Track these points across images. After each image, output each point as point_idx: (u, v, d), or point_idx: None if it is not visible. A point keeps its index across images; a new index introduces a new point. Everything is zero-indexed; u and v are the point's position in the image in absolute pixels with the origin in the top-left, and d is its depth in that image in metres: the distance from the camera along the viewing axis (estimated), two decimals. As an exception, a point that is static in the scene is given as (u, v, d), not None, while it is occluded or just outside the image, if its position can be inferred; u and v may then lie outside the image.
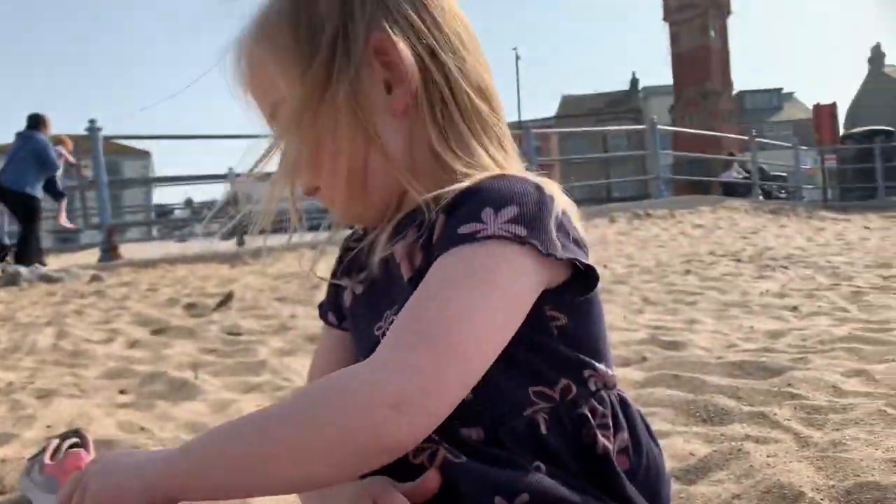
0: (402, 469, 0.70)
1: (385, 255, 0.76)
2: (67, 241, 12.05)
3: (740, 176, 14.98)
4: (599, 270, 0.72)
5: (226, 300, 4.31)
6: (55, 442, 1.55)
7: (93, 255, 8.67)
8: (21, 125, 7.61)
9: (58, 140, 8.04)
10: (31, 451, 1.65)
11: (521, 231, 0.66)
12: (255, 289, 4.99)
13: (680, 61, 42.47)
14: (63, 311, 4.37)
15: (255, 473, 0.61)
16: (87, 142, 8.47)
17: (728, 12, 43.31)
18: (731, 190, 14.27)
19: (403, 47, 0.74)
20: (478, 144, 0.76)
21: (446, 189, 0.71)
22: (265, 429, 0.63)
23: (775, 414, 1.68)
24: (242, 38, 0.80)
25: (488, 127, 0.79)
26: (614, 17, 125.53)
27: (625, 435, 0.75)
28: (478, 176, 0.72)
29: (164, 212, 18.55)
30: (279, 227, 0.84)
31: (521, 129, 11.02)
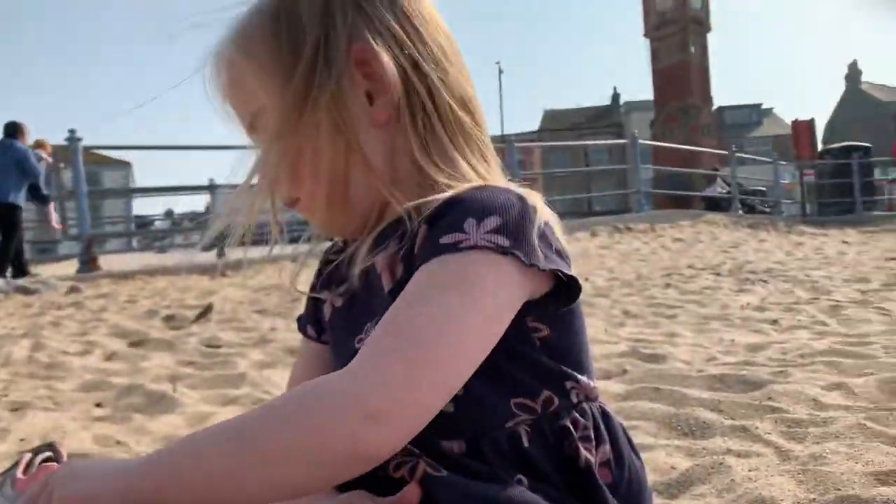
0: (382, 483, 0.69)
1: (366, 267, 0.75)
2: (46, 251, 11.90)
3: (724, 191, 15.11)
4: (581, 282, 0.71)
5: (205, 312, 4.27)
6: (28, 456, 1.51)
7: (71, 266, 8.57)
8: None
9: (38, 144, 7.98)
10: (3, 466, 1.62)
11: (503, 241, 0.65)
12: (234, 301, 4.95)
13: (661, 77, 42.88)
14: (39, 322, 4.31)
15: (230, 480, 0.60)
16: (67, 151, 8.39)
17: (708, 29, 43.83)
18: (715, 205, 14.37)
19: (385, 58, 0.74)
20: (460, 156, 0.76)
21: (428, 199, 0.70)
22: (241, 433, 0.61)
23: (756, 427, 1.68)
24: (222, 47, 0.79)
25: (471, 139, 0.78)
26: (596, 33, 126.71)
27: (607, 448, 0.75)
28: (460, 187, 0.72)
29: (144, 223, 18.41)
30: (259, 239, 0.83)
31: (504, 143, 11.05)
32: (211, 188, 10.33)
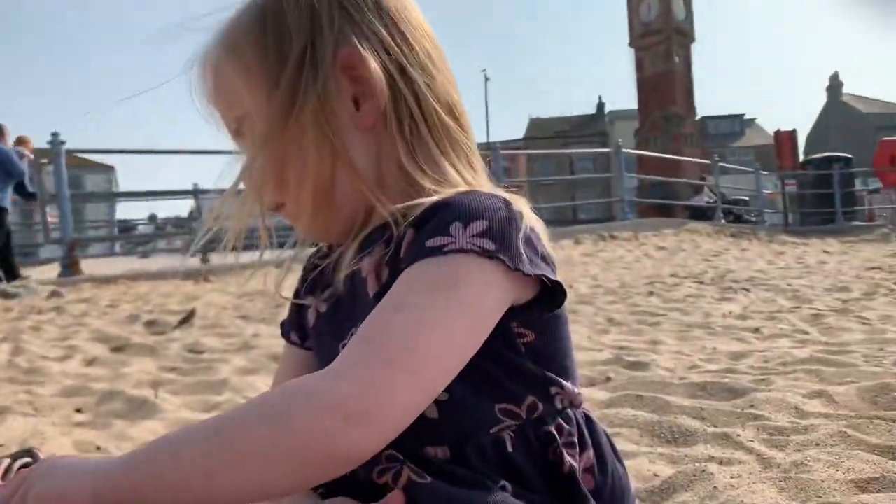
0: (366, 489, 0.69)
1: (351, 272, 0.75)
2: (27, 255, 11.79)
3: (712, 200, 15.22)
4: (566, 288, 0.72)
5: (188, 318, 4.24)
6: (6, 462, 1.49)
7: (53, 270, 8.48)
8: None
9: (19, 141, 7.89)
10: (-20, 472, 1.60)
11: (489, 245, 0.65)
12: (217, 306, 4.92)
13: (645, 86, 43.19)
14: (19, 326, 4.26)
15: (207, 479, 0.59)
16: (50, 154, 8.32)
17: (692, 40, 44.21)
18: (702, 214, 14.45)
19: (372, 63, 0.74)
20: (446, 161, 0.76)
21: (414, 202, 0.70)
22: (219, 432, 0.61)
23: (738, 435, 1.69)
24: (208, 51, 0.79)
25: (457, 144, 0.78)
26: (581, 42, 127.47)
27: (590, 454, 0.75)
28: (447, 191, 0.72)
29: (127, 227, 18.28)
30: (246, 244, 0.82)
31: (489, 150, 11.10)
32: (195, 193, 10.29)
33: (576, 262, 7.59)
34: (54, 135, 8.11)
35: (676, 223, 11.83)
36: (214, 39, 0.78)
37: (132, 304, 5.25)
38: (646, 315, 4.01)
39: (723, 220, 13.39)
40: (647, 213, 15.52)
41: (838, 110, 55.45)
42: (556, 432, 0.72)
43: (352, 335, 0.75)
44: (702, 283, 5.59)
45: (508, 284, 0.67)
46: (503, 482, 0.68)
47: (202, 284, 6.47)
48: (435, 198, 0.70)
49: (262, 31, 0.75)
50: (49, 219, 8.73)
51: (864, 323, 3.49)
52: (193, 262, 7.71)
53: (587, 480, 0.73)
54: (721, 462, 1.53)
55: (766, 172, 16.73)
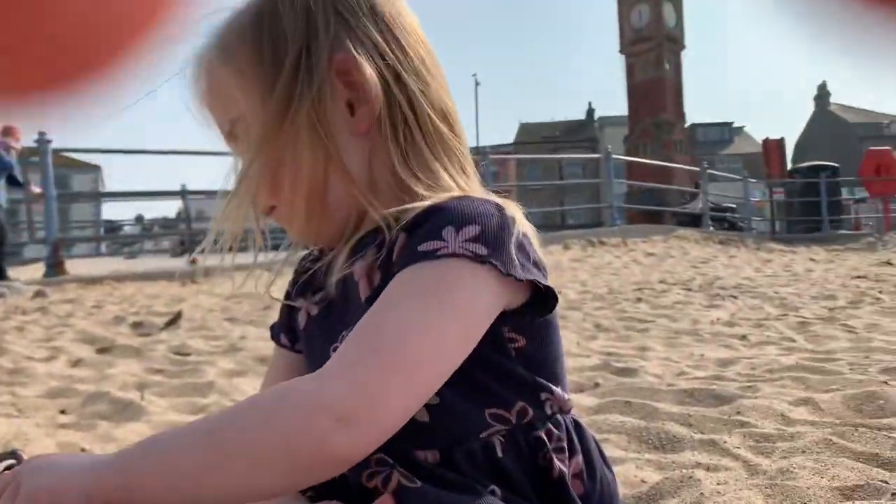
0: (355, 492, 0.68)
1: (343, 276, 0.75)
2: (11, 254, 11.70)
3: (707, 206, 15.27)
4: (557, 294, 0.72)
5: (174, 319, 4.22)
6: (-11, 463, 1.48)
7: (37, 270, 8.42)
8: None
9: (4, 131, 7.78)
10: (-37, 473, 1.58)
11: (481, 250, 0.65)
12: (204, 308, 4.90)
13: (635, 92, 43.38)
14: (3, 327, 4.22)
15: (197, 479, 0.59)
16: (36, 154, 8.25)
17: (682, 47, 44.46)
18: (698, 220, 14.48)
19: (367, 68, 0.74)
20: (440, 167, 0.76)
21: (407, 207, 0.71)
22: (209, 433, 0.61)
23: (725, 441, 1.69)
24: (203, 54, 0.78)
25: (450, 150, 0.78)
26: (572, 48, 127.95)
27: (579, 459, 0.75)
28: (440, 196, 0.72)
29: (113, 227, 18.17)
30: (240, 246, 0.82)
31: (478, 155, 11.10)
32: (182, 194, 10.24)
33: (564, 267, 7.61)
34: (41, 134, 8.05)
35: (665, 229, 11.88)
36: (209, 41, 0.78)
37: (118, 306, 5.22)
38: (634, 321, 4.02)
39: (711, 227, 13.45)
40: (635, 220, 15.56)
41: (826, 120, 55.88)
42: (545, 437, 0.73)
43: (343, 338, 0.75)
44: (690, 289, 5.61)
45: (500, 289, 0.67)
46: (493, 486, 0.69)
47: (189, 286, 6.44)
48: (427, 202, 0.70)
49: (257, 34, 0.75)
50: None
51: (849, 331, 3.51)
52: (181, 263, 7.67)
53: (576, 486, 0.73)
54: (708, 468, 1.53)
55: (754, 180, 16.84)
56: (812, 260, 9.08)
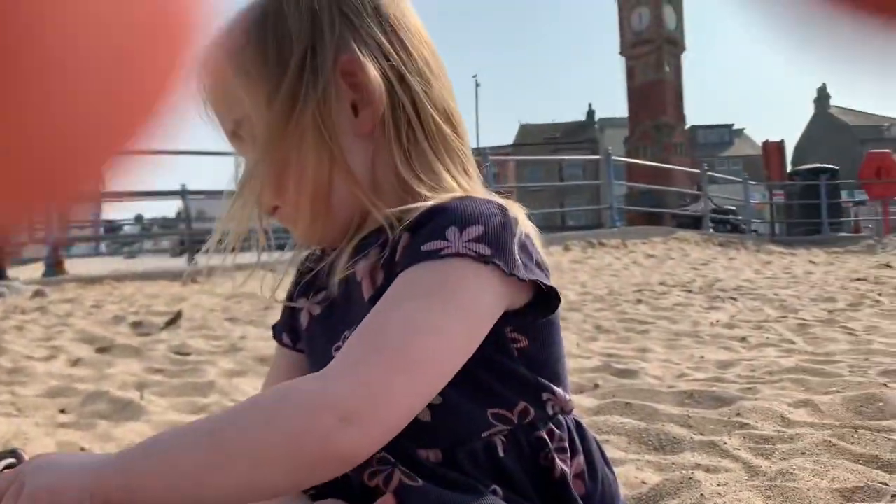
0: (357, 491, 0.68)
1: (345, 276, 0.75)
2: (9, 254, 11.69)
3: (709, 207, 15.26)
4: (560, 294, 0.72)
5: (174, 319, 4.22)
6: (-11, 462, 1.48)
7: (36, 270, 8.42)
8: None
9: None
10: (-37, 472, 1.58)
11: (485, 250, 0.65)
12: (204, 308, 4.90)
13: (635, 94, 43.39)
14: (2, 326, 4.22)
15: (199, 478, 0.59)
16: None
17: (682, 49, 44.48)
18: (697, 223, 14.47)
19: (372, 69, 0.74)
20: (442, 168, 0.76)
21: (410, 207, 0.71)
22: (213, 432, 0.61)
23: (725, 443, 1.69)
24: (208, 53, 0.78)
25: (453, 151, 0.78)
26: (573, 50, 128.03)
27: (581, 460, 0.75)
28: (443, 196, 0.72)
29: (112, 227, 18.15)
30: (242, 246, 0.82)
31: (479, 156, 11.10)
32: (182, 194, 10.22)
33: (564, 268, 7.61)
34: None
35: (665, 231, 11.87)
36: (214, 42, 0.78)
37: (117, 305, 5.22)
38: (634, 323, 4.02)
39: (711, 229, 13.44)
40: (635, 221, 15.57)
41: (826, 122, 55.89)
42: (547, 437, 0.73)
43: (345, 338, 0.75)
44: (690, 291, 5.61)
45: (503, 289, 0.67)
46: (494, 486, 0.69)
47: (189, 286, 6.44)
48: (430, 202, 0.71)
49: (262, 34, 0.75)
50: None
51: (849, 333, 3.51)
52: (181, 263, 7.67)
53: (577, 486, 0.73)
54: (708, 470, 1.54)
55: (754, 182, 16.84)
56: (812, 262, 9.08)
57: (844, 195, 16.85)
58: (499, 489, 0.69)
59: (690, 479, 1.43)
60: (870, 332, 3.53)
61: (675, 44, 43.73)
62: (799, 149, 54.31)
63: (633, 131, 43.26)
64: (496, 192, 0.77)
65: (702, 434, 1.79)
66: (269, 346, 3.30)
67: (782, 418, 1.91)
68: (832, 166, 15.04)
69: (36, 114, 0.35)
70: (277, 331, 0.91)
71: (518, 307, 0.71)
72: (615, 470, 0.85)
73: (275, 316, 0.93)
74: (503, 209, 0.70)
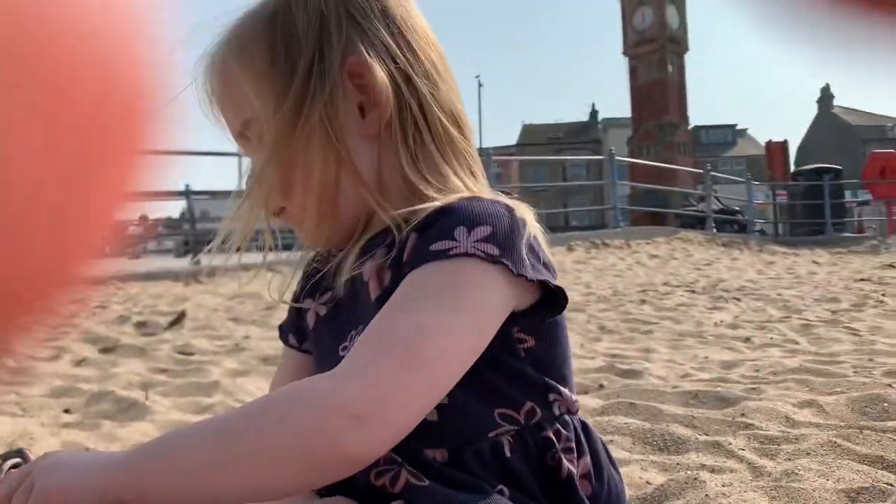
0: (363, 490, 0.68)
1: (351, 276, 0.75)
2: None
3: (717, 207, 15.24)
4: (567, 294, 0.72)
5: (178, 319, 4.22)
6: (-5, 462, 1.48)
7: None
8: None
9: None
10: (-31, 472, 1.58)
11: (493, 250, 0.65)
12: (208, 308, 4.90)
13: (638, 94, 43.34)
14: (7, 326, 4.22)
15: (211, 477, 0.60)
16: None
17: (685, 49, 44.42)
18: (701, 223, 14.43)
19: (379, 71, 0.74)
20: (449, 169, 0.77)
21: (417, 208, 0.71)
22: (224, 431, 0.61)
23: (730, 443, 1.69)
24: (216, 55, 0.79)
25: (459, 153, 0.79)
26: (576, 50, 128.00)
27: (587, 460, 0.75)
28: (450, 197, 0.72)
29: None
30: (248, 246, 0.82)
31: (482, 156, 11.08)
32: (186, 194, 10.23)
33: (568, 269, 7.60)
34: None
35: (668, 231, 11.86)
36: (223, 42, 0.78)
37: (122, 305, 5.22)
38: (638, 323, 4.02)
39: (714, 229, 13.41)
40: (639, 221, 15.57)
41: (829, 122, 55.77)
42: (554, 438, 0.73)
43: (352, 338, 0.76)
44: (694, 291, 5.61)
45: (511, 289, 0.67)
46: (501, 486, 0.69)
47: (193, 286, 6.45)
48: (437, 203, 0.71)
49: (271, 36, 0.75)
50: None
51: (853, 333, 3.51)
52: (185, 263, 7.68)
53: (584, 486, 0.73)
54: (713, 470, 1.53)
55: (757, 182, 16.82)
56: (815, 262, 9.07)
57: (848, 195, 16.81)
58: (505, 489, 0.69)
59: (695, 479, 1.43)
60: (873, 332, 3.53)
61: (678, 43, 43.66)
62: (802, 149, 54.20)
63: (637, 131, 43.20)
64: (503, 193, 0.77)
65: (706, 434, 1.79)
66: (273, 346, 3.31)
67: (787, 419, 1.90)
68: (836, 166, 15.01)
69: None
70: (284, 332, 0.91)
71: (525, 307, 0.71)
72: (620, 470, 0.85)
73: (278, 316, 0.93)
74: (510, 210, 0.70)
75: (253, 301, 5.05)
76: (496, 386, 0.72)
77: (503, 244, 0.66)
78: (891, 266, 7.68)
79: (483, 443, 0.71)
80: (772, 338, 3.46)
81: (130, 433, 2.02)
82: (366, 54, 0.74)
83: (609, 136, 49.03)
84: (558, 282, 0.72)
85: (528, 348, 0.73)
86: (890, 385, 2.20)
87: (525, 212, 0.72)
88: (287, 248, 0.87)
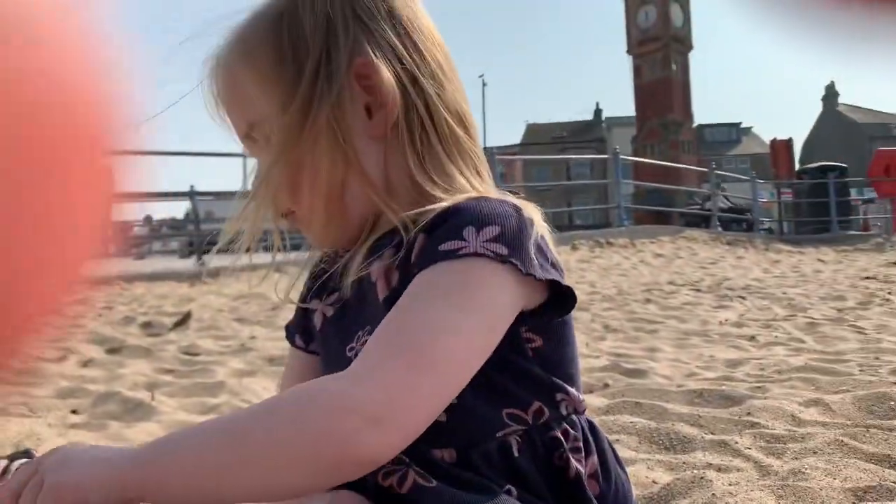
0: (370, 491, 0.68)
1: (358, 277, 0.75)
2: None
3: (725, 205, 15.21)
4: (577, 294, 0.72)
5: (184, 320, 4.23)
6: (3, 463, 1.49)
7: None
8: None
9: None
10: (-23, 473, 1.59)
11: (502, 250, 0.66)
12: (213, 308, 4.91)
13: (642, 93, 43.31)
14: (14, 327, 4.23)
15: (221, 476, 0.60)
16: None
17: (689, 47, 44.34)
18: (706, 221, 14.40)
19: (385, 72, 0.74)
20: (455, 169, 0.77)
21: (425, 208, 0.71)
22: (235, 431, 0.62)
23: (736, 442, 1.69)
24: (222, 56, 0.79)
25: (465, 153, 0.79)
26: (579, 49, 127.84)
27: (594, 460, 0.75)
28: (458, 197, 0.72)
29: (121, 228, 18.14)
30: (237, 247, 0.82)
31: (486, 155, 11.07)
32: (191, 195, 10.24)
33: (572, 268, 7.60)
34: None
35: (673, 230, 11.83)
36: (229, 44, 0.78)
37: (127, 306, 5.24)
38: (643, 322, 4.02)
39: (719, 228, 13.39)
40: (643, 220, 15.54)
41: (833, 120, 55.60)
42: (562, 437, 0.73)
43: (359, 339, 0.76)
44: (699, 290, 5.60)
45: (520, 289, 0.68)
46: (508, 486, 0.69)
47: (198, 286, 6.46)
48: (445, 203, 0.71)
49: (277, 37, 0.75)
50: None
51: (858, 332, 3.50)
52: (189, 264, 7.69)
53: (591, 486, 0.73)
54: (719, 469, 1.53)
55: (762, 181, 16.78)
56: (820, 261, 9.05)
57: (853, 193, 16.77)
58: (513, 489, 0.69)
59: (702, 478, 1.43)
60: (879, 330, 3.52)
61: (682, 41, 43.61)
62: (807, 147, 54.06)
63: (641, 129, 43.16)
64: (510, 192, 0.77)
65: (712, 433, 1.79)
66: (279, 347, 3.31)
67: (793, 417, 1.90)
68: (841, 164, 14.97)
69: None
70: (290, 333, 0.91)
71: (533, 307, 0.71)
72: (627, 470, 0.85)
73: (284, 316, 0.93)
74: (518, 210, 0.70)
75: (258, 301, 5.06)
76: (504, 386, 0.72)
77: (512, 244, 0.66)
78: (896, 264, 7.66)
79: (491, 443, 0.71)
80: (777, 336, 3.45)
81: (137, 434, 2.02)
82: (372, 55, 0.74)
83: (613, 134, 48.95)
84: (565, 281, 0.72)
85: (536, 348, 0.73)
86: (896, 383, 2.20)
87: (533, 211, 0.72)
88: (295, 248, 0.87)
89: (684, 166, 21.43)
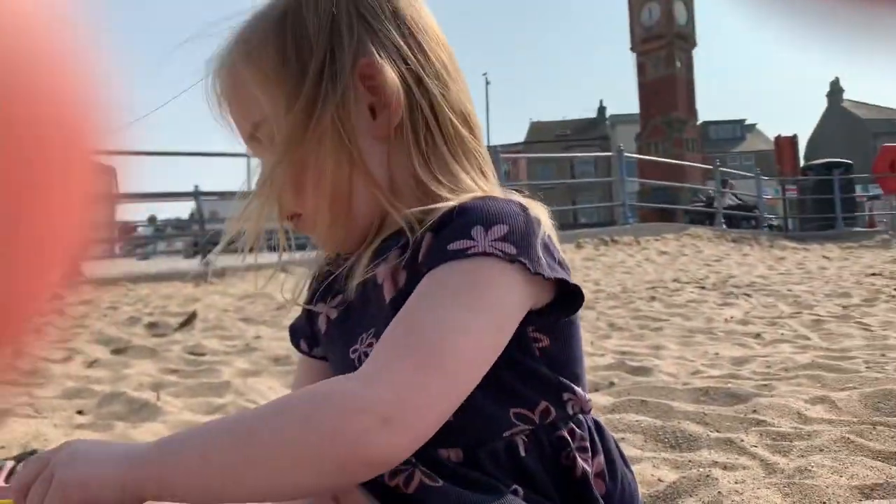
0: (377, 491, 0.68)
1: (363, 279, 0.75)
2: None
3: (733, 203, 15.16)
4: (584, 293, 0.72)
5: (189, 320, 4.24)
6: (10, 464, 1.49)
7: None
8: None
9: None
10: (-16, 473, 1.59)
11: (510, 249, 0.66)
12: (219, 308, 4.92)
13: (646, 90, 43.23)
14: (20, 328, 4.25)
15: (231, 476, 0.60)
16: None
17: (693, 45, 44.25)
18: (711, 219, 14.37)
19: (390, 72, 0.74)
20: (460, 169, 0.76)
21: (430, 207, 0.71)
22: (248, 431, 0.62)
23: (742, 440, 1.69)
24: (225, 57, 0.78)
25: (470, 153, 0.79)
26: (583, 46, 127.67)
27: (601, 459, 0.75)
28: (463, 196, 0.72)
29: (127, 229, 18.20)
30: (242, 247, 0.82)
31: (490, 154, 11.07)
32: (196, 195, 10.26)
33: (577, 266, 7.59)
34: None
35: (678, 228, 11.81)
36: (232, 44, 0.78)
37: (133, 307, 5.25)
38: (648, 320, 4.01)
39: (724, 225, 13.35)
40: (648, 218, 15.49)
41: (838, 116, 55.46)
42: (568, 437, 0.73)
43: (362, 340, 0.76)
44: (703, 288, 5.59)
45: (528, 288, 0.68)
46: (515, 486, 0.69)
47: (203, 286, 6.47)
48: (451, 203, 0.71)
49: (281, 37, 0.75)
50: None
51: (865, 329, 3.49)
52: (194, 264, 7.71)
53: (598, 485, 0.73)
54: (725, 467, 1.53)
55: (766, 178, 16.73)
56: (826, 258, 9.02)
57: (858, 190, 16.72)
58: (520, 489, 0.69)
59: (708, 476, 1.42)
60: (885, 327, 3.51)
61: (685, 39, 43.52)
62: (812, 143, 53.92)
63: (645, 127, 43.09)
64: (515, 191, 0.77)
65: (718, 431, 1.79)
66: (284, 346, 3.32)
67: (799, 415, 1.90)
68: (846, 161, 14.92)
69: None
70: (296, 337, 0.90)
71: (541, 307, 0.71)
72: (633, 468, 0.85)
73: (289, 316, 0.93)
74: (525, 209, 0.70)
75: (263, 301, 5.06)
76: (511, 386, 0.72)
77: (520, 243, 0.66)
78: (902, 260, 7.63)
79: (498, 442, 0.71)
80: (783, 334, 3.44)
81: (142, 434, 2.03)
82: (377, 55, 0.74)
83: (617, 132, 48.89)
84: (572, 280, 0.72)
85: (543, 347, 0.73)
86: (903, 380, 2.19)
87: (539, 210, 0.72)
88: (300, 248, 0.87)
89: (689, 164, 21.38)
